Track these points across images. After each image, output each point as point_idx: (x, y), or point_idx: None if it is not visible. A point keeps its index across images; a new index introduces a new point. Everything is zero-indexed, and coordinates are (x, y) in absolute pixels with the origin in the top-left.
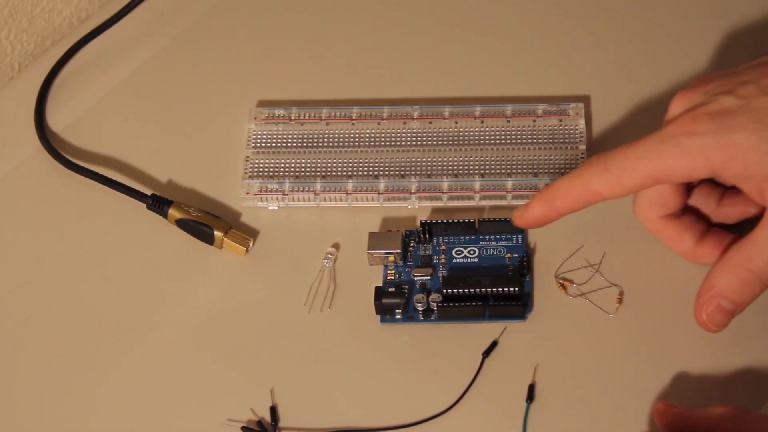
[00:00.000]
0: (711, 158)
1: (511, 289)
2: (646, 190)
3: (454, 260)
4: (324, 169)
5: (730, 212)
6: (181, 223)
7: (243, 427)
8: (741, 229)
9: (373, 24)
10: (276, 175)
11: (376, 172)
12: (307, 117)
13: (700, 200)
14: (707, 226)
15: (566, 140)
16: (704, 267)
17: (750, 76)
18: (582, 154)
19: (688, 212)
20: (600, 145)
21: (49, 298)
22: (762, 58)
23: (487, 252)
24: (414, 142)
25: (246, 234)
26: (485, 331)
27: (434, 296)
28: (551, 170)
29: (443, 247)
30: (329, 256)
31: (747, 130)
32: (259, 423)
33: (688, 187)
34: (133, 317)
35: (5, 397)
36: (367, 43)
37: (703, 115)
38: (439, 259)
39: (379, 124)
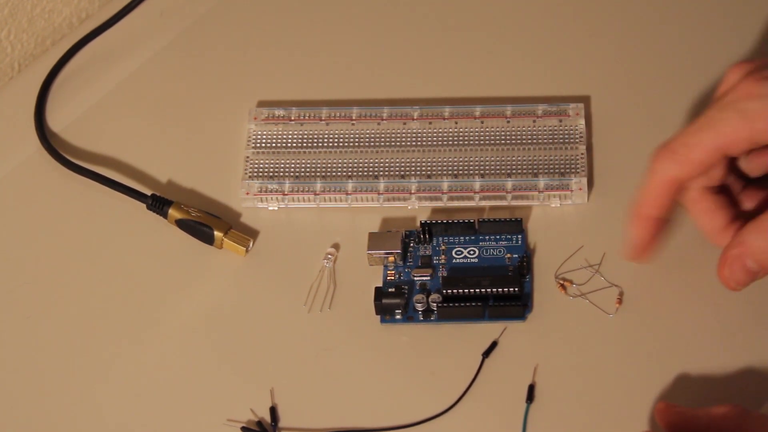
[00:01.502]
0: None
1: (511, 289)
2: None
3: (454, 260)
4: (324, 170)
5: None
6: (181, 224)
7: (243, 428)
8: None
9: (373, 24)
10: (276, 176)
11: (376, 173)
12: (307, 117)
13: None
14: (736, 212)
15: (566, 140)
16: (703, 270)
17: None
18: (582, 154)
19: (722, 192)
20: (600, 145)
21: (49, 298)
22: None
23: (487, 252)
24: (414, 143)
25: (246, 234)
26: (485, 331)
27: (434, 296)
28: (551, 170)
29: (443, 247)
30: (329, 256)
31: None
32: (259, 423)
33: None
34: (133, 317)
35: (5, 397)
36: (367, 43)
37: (761, 78)
38: (439, 260)
39: (379, 124)
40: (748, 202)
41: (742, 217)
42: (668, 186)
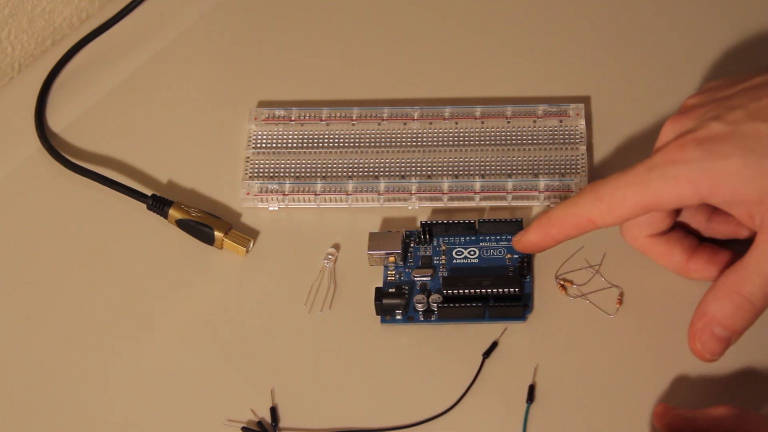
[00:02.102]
0: (699, 185)
1: (512, 289)
2: None
3: (454, 261)
4: (324, 170)
5: (720, 229)
6: (181, 224)
7: (243, 428)
8: (733, 244)
9: (373, 24)
10: (276, 176)
11: (376, 173)
12: (307, 117)
13: (690, 216)
14: (698, 240)
15: (566, 141)
16: None
17: (740, 101)
18: (582, 154)
19: (676, 228)
20: (600, 145)
21: (49, 298)
22: (754, 80)
23: (487, 253)
24: (414, 143)
25: (246, 234)
26: (485, 331)
27: (434, 297)
28: (551, 171)
29: (443, 247)
30: (329, 256)
31: (734, 156)
32: (259, 423)
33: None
34: (133, 317)
35: (5, 397)
36: (368, 44)
37: (691, 142)
38: (439, 260)
39: (379, 124)
40: (718, 226)
41: (703, 247)
42: (584, 225)
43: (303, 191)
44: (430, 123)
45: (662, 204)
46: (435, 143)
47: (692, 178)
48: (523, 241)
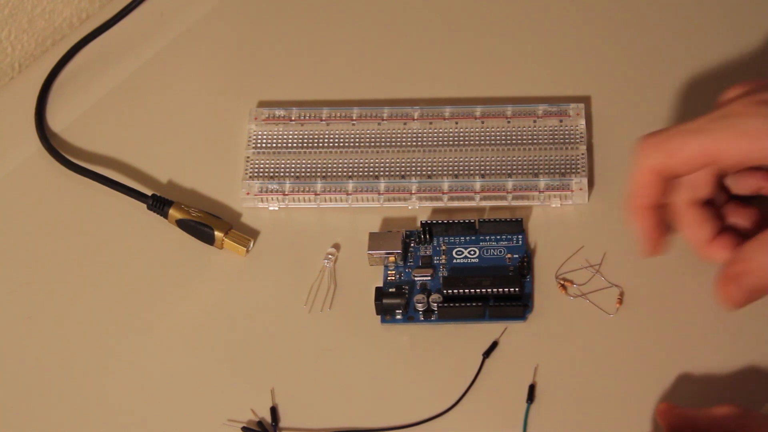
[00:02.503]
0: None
1: (512, 289)
2: None
3: (454, 261)
4: (324, 170)
5: (746, 182)
6: (181, 224)
7: (243, 428)
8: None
9: (373, 24)
10: (276, 176)
11: (376, 173)
12: (307, 117)
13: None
14: (722, 226)
15: (566, 140)
16: (703, 270)
17: None
18: (582, 154)
19: (709, 205)
20: (600, 145)
21: (49, 298)
22: None
23: (487, 252)
24: (414, 143)
25: (246, 234)
26: (486, 331)
27: (435, 297)
28: (551, 170)
29: (443, 247)
30: (329, 256)
31: None
32: (260, 423)
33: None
34: (133, 317)
35: (5, 397)
36: (368, 44)
37: (761, 101)
38: (439, 260)
39: (379, 124)
40: (732, 217)
41: (728, 232)
42: (657, 173)
43: (303, 191)
44: (430, 123)
45: (724, 156)
46: (435, 143)
47: (762, 133)
48: (641, 239)
